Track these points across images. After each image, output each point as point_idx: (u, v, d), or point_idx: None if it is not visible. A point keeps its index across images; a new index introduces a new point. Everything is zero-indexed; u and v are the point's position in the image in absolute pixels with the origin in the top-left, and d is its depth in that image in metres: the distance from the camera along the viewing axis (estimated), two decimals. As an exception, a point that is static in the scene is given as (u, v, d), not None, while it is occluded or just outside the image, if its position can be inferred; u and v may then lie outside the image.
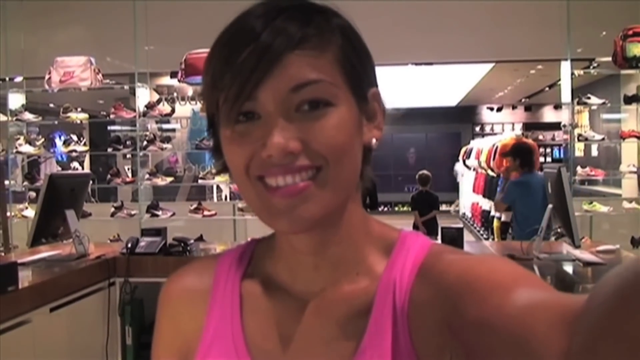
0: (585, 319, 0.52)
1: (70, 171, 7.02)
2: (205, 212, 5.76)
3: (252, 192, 0.75)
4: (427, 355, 0.76)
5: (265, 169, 0.72)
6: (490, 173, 10.09)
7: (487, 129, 15.25)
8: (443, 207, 11.47)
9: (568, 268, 3.48)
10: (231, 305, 0.85)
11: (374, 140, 0.81)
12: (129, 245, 3.59)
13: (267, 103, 0.71)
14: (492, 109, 15.20)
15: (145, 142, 5.83)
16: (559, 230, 3.71)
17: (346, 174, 0.75)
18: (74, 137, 6.95)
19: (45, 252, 3.68)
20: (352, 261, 0.82)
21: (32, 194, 6.65)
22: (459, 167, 12.64)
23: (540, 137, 12.44)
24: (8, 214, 5.40)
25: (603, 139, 6.65)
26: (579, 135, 6.32)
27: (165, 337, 0.90)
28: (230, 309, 0.85)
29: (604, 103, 6.15)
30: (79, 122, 6.52)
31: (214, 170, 6.16)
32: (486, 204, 10.14)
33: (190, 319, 0.87)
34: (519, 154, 5.89)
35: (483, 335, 0.66)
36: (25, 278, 2.99)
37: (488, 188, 10.29)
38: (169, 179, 5.93)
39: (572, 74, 5.82)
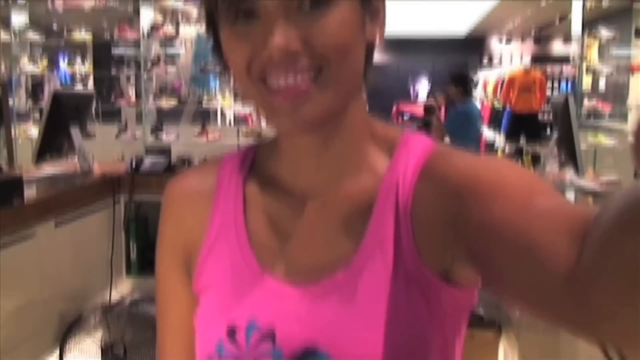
0: (593, 235, 0.51)
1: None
2: (210, 136, 5.76)
3: (255, 93, 0.74)
4: (429, 254, 0.76)
5: (266, 70, 0.71)
6: (496, 105, 10.03)
7: (495, 60, 15.07)
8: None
9: (571, 196, 3.49)
10: (234, 205, 0.86)
11: (377, 39, 0.79)
12: (134, 163, 3.60)
13: (267, 2, 0.69)
14: (500, 40, 14.98)
15: (149, 64, 5.79)
16: (563, 159, 3.71)
17: (348, 74, 0.74)
18: (78, 59, 6.89)
19: (50, 169, 3.69)
20: (355, 160, 0.82)
21: (37, 116, 6.63)
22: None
23: (548, 70, 12.27)
24: (13, 133, 5.40)
25: (612, 72, 6.58)
26: (588, 67, 6.26)
27: (169, 237, 0.91)
28: (234, 208, 0.86)
29: (614, 38, 6.06)
30: (82, 42, 6.46)
31: (218, 94, 6.14)
32: (491, 135, 10.11)
33: (193, 218, 0.87)
34: (460, 82, 5.87)
35: (487, 240, 0.66)
36: (30, 193, 3.01)
37: (494, 119, 10.25)
38: (173, 102, 5.91)
39: (584, 5, 5.72)
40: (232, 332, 0.79)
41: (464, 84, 5.85)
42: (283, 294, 0.79)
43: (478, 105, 5.93)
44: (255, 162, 0.89)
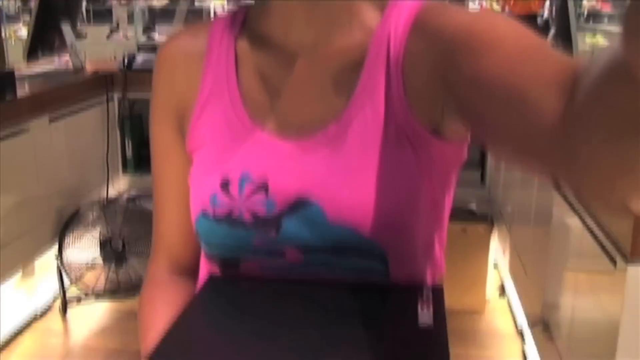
0: (581, 88, 0.51)
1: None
2: (203, 36, 5.66)
3: None
4: (420, 107, 0.77)
5: None
6: (495, 7, 9.86)
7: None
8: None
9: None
10: (226, 63, 0.86)
11: None
12: (126, 60, 3.56)
13: None
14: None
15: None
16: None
17: None
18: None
19: (42, 66, 3.64)
20: (346, 15, 0.81)
21: (27, 18, 6.50)
22: None
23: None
24: (2, 34, 5.31)
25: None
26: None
27: (161, 99, 0.91)
28: (226, 66, 0.86)
29: None
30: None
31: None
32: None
33: (186, 79, 0.88)
34: None
35: (477, 93, 0.66)
36: (22, 88, 2.99)
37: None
38: (165, 0, 5.79)
39: None
40: (225, 185, 0.80)
41: None
42: (275, 147, 0.80)
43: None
44: (245, 21, 0.88)
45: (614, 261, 1.62)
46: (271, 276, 0.81)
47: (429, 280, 0.86)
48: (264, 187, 0.79)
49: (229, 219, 0.79)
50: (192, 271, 0.94)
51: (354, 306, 0.75)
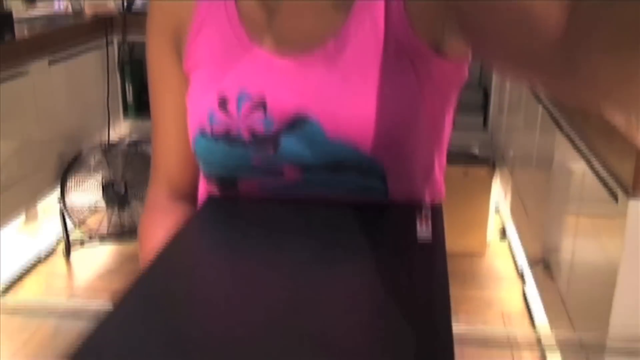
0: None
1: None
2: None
3: None
4: (420, 22, 0.75)
5: None
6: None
7: None
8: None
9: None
10: None
11: None
12: (125, 3, 3.51)
13: None
14: None
15: None
16: None
17: None
18: None
19: (40, 10, 3.60)
20: None
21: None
22: None
23: None
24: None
25: None
26: None
27: (157, 20, 0.90)
28: None
29: None
30: None
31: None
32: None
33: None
34: None
35: (480, 6, 0.65)
36: (21, 31, 2.95)
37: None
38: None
39: None
40: (223, 103, 0.79)
41: None
42: (273, 64, 0.79)
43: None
44: None
45: (615, 197, 1.62)
46: (270, 196, 0.81)
47: (427, 202, 0.86)
48: (262, 105, 0.78)
49: (227, 137, 0.79)
50: (190, 196, 0.94)
51: (354, 223, 0.75)
